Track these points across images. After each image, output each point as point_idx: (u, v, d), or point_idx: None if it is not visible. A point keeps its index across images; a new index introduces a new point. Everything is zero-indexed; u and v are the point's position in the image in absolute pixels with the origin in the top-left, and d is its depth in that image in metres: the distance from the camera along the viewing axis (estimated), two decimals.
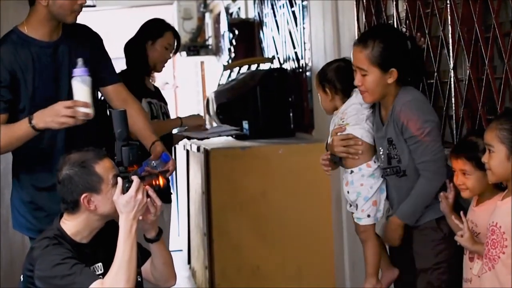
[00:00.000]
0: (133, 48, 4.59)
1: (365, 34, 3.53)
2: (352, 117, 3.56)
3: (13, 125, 3.49)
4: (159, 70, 4.70)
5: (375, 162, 3.54)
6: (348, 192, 3.60)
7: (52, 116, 3.36)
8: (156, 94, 4.68)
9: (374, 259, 3.55)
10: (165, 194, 4.46)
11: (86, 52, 3.61)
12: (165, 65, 4.75)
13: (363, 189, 3.53)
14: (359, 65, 3.36)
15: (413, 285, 3.50)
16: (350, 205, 3.65)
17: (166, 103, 4.77)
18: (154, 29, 4.61)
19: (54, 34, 3.58)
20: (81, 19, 3.71)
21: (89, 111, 3.34)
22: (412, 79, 3.49)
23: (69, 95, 3.47)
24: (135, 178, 3.08)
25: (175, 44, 4.68)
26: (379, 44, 3.33)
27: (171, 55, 4.68)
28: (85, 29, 3.75)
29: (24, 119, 3.44)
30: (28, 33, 3.53)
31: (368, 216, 3.53)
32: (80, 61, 3.34)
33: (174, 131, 4.85)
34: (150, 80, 4.74)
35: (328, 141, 3.72)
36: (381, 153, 3.48)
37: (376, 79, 3.35)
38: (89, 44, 3.71)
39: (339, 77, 3.60)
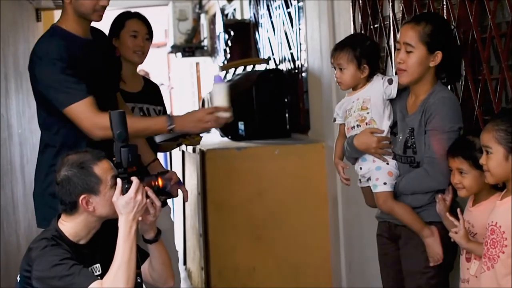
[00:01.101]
0: None
1: (419, 15, 3.54)
2: (377, 112, 3.51)
3: (150, 119, 3.99)
4: (138, 61, 4.43)
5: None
6: (360, 168, 3.57)
7: (195, 122, 3.59)
8: (141, 96, 4.45)
9: (411, 217, 3.41)
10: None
11: (109, 56, 3.86)
12: (148, 55, 4.48)
13: (375, 164, 3.50)
14: (407, 40, 3.35)
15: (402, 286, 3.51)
16: (360, 181, 3.62)
17: (160, 104, 4.57)
18: (115, 25, 4.44)
19: (87, 34, 3.71)
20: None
21: (230, 115, 3.54)
22: (448, 76, 3.48)
23: (104, 91, 3.70)
24: (134, 179, 3.09)
25: (146, 29, 4.42)
26: (431, 25, 3.34)
27: (144, 41, 4.39)
28: (104, 35, 3.92)
29: (161, 117, 3.75)
30: (67, 29, 3.66)
31: (385, 183, 3.46)
32: (219, 68, 3.48)
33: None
34: (141, 75, 4.53)
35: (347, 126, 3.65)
36: (399, 139, 3.47)
37: (421, 58, 3.34)
38: (109, 50, 3.93)
39: (377, 56, 3.58)
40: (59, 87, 3.55)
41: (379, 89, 3.52)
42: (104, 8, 3.66)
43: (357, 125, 3.54)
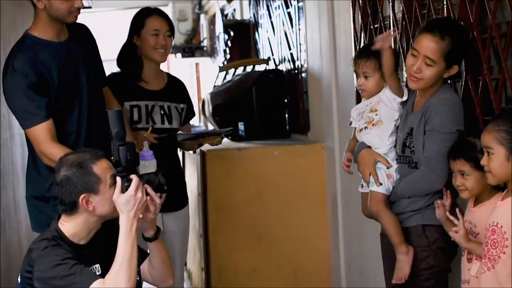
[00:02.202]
0: (123, 50, 4.40)
1: (442, 26, 3.38)
2: (386, 113, 3.53)
3: None
4: (161, 59, 4.36)
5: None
6: None
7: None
8: (162, 94, 4.39)
9: (394, 228, 3.44)
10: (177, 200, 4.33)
11: (93, 51, 3.86)
12: (169, 52, 4.44)
13: (377, 164, 3.51)
14: (430, 55, 3.30)
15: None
16: (362, 186, 3.63)
17: (183, 102, 4.48)
18: (135, 22, 4.37)
19: (61, 35, 3.71)
20: (77, 20, 3.81)
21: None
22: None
23: (89, 91, 3.73)
24: (134, 177, 3.10)
25: (167, 26, 4.35)
26: (455, 40, 3.31)
27: (165, 38, 4.32)
28: (87, 29, 3.90)
29: None
30: (39, 36, 3.66)
31: (381, 184, 3.48)
32: (145, 145, 3.49)
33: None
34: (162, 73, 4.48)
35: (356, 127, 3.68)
36: (399, 139, 3.48)
37: (439, 72, 3.33)
38: (93, 44, 3.90)
39: (398, 63, 3.57)
40: (19, 109, 3.63)
41: (388, 93, 3.56)
42: (79, 9, 3.64)
43: (365, 127, 3.56)
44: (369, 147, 3.56)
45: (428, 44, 3.31)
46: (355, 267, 5.13)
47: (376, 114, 3.53)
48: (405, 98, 3.52)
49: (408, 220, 3.46)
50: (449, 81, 3.52)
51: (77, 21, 3.75)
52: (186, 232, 4.58)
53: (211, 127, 6.62)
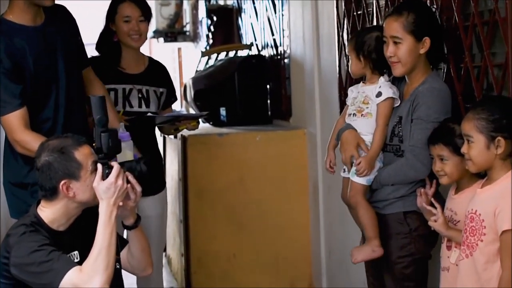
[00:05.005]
0: (101, 36, 4.40)
1: (399, 6, 3.51)
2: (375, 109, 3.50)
3: None
4: (135, 44, 4.34)
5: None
6: None
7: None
8: (141, 77, 4.38)
9: (370, 221, 3.44)
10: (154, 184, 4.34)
11: (72, 33, 3.77)
12: (146, 36, 4.42)
13: (361, 152, 3.48)
14: (393, 33, 3.35)
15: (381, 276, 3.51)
16: (344, 170, 3.60)
17: (163, 86, 4.47)
18: (109, 9, 4.36)
19: (38, 19, 3.63)
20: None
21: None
22: (437, 59, 3.49)
23: (67, 76, 3.66)
24: (115, 164, 3.07)
25: (139, 11, 4.31)
26: (413, 13, 3.34)
27: (138, 24, 4.29)
28: (65, 10, 3.82)
29: None
30: (14, 21, 3.59)
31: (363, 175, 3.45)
32: (122, 126, 3.49)
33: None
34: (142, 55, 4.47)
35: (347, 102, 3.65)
36: (388, 128, 3.46)
37: (410, 47, 3.33)
38: (72, 26, 3.82)
39: (377, 48, 3.50)
40: None
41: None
42: None
43: (354, 114, 3.53)
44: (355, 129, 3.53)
45: (389, 25, 3.37)
46: (336, 254, 5.13)
47: (367, 107, 3.51)
48: (397, 104, 3.48)
49: (390, 207, 3.45)
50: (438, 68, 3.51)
51: (58, 4, 3.69)
52: (163, 217, 4.56)
53: (192, 112, 6.59)
